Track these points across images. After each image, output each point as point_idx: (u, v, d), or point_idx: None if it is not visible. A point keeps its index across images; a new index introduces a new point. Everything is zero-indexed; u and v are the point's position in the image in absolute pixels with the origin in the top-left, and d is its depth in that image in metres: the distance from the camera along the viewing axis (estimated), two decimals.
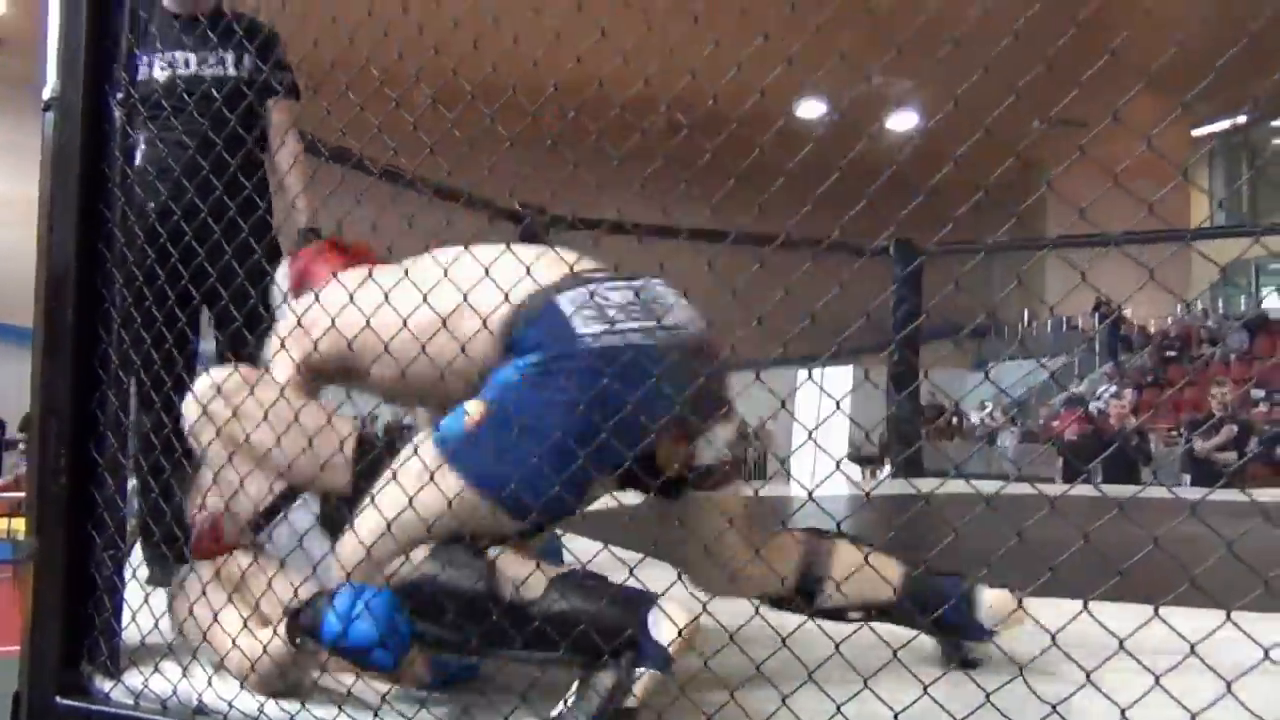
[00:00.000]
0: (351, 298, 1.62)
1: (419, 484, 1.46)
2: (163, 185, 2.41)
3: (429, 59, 1.46)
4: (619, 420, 1.42)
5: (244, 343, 2.06)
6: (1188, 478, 9.62)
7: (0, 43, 13.89)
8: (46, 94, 1.81)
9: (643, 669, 1.35)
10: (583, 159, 1.36)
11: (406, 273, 1.61)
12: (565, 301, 1.52)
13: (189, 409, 1.72)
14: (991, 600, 1.61)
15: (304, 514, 1.68)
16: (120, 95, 1.80)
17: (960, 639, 1.63)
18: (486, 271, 1.52)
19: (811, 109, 16.33)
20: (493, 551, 1.47)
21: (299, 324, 1.71)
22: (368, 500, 1.52)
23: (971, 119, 1.15)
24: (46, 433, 1.76)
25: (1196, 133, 17.73)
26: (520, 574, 1.43)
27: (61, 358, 1.77)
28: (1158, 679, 1.07)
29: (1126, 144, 1.13)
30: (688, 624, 1.36)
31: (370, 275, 1.68)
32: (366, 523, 1.50)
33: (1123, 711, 1.08)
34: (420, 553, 1.47)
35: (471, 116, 1.48)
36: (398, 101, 1.53)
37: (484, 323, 1.52)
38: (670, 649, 1.36)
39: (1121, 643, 1.07)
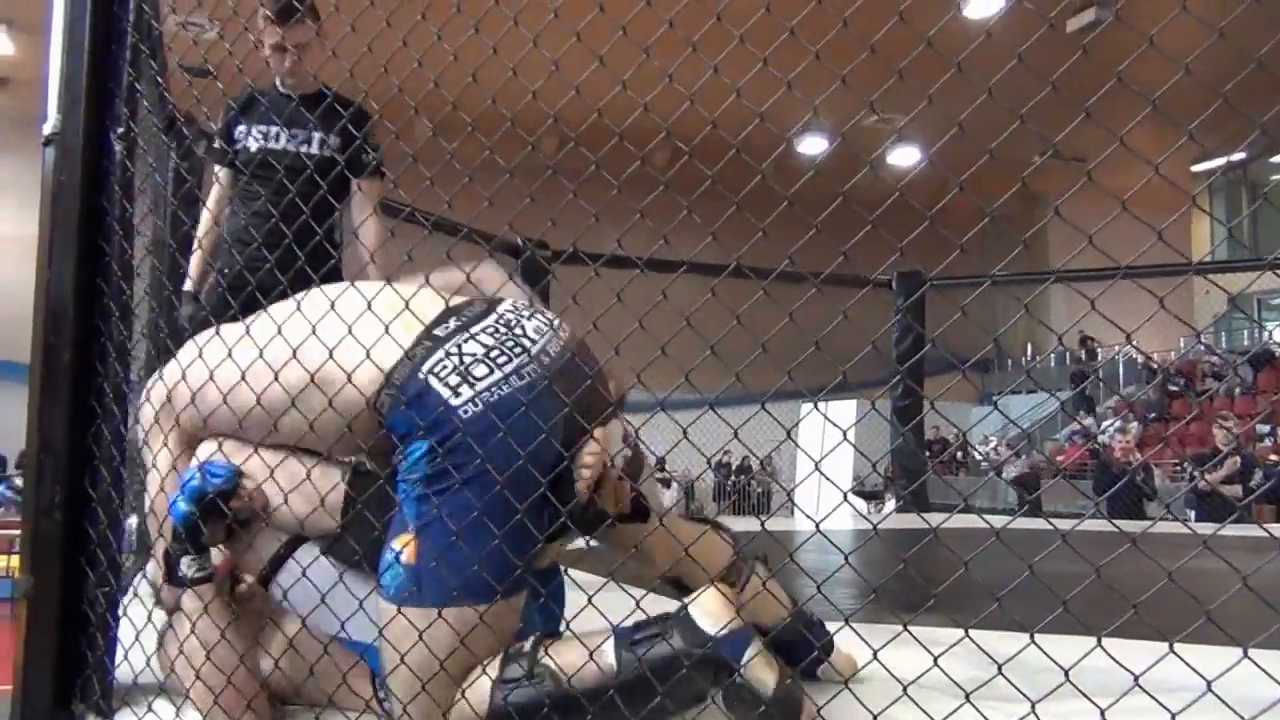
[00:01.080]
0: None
1: (410, 644, 1.43)
2: (239, 251, 2.65)
3: (428, 92, 1.45)
4: (528, 475, 1.43)
5: None
6: (1192, 513, 9.57)
7: (5, 82, 14.04)
8: (47, 129, 1.81)
9: (743, 660, 1.36)
10: (582, 190, 1.35)
11: (279, 328, 1.60)
12: (428, 374, 1.49)
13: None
14: (841, 660, 1.84)
15: (311, 558, 1.66)
16: (120, 130, 1.80)
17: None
18: (352, 329, 1.51)
19: (813, 145, 16.45)
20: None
21: (168, 395, 1.72)
22: (392, 682, 1.47)
23: (974, 151, 1.15)
24: (42, 469, 1.74)
25: (1196, 169, 17.81)
26: (577, 659, 1.40)
27: (58, 393, 1.75)
28: (1174, 716, 1.04)
29: (1127, 179, 1.12)
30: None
31: (247, 329, 1.67)
32: (397, 698, 1.46)
33: None
34: (480, 691, 1.43)
35: (470, 148, 1.47)
36: (397, 134, 1.52)
37: (354, 394, 1.52)
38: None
39: (1136, 679, 1.04)
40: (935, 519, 1.25)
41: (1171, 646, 1.04)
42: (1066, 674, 1.08)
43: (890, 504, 8.27)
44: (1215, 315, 14.86)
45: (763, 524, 1.35)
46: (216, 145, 2.99)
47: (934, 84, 1.10)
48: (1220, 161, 17.19)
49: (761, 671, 1.37)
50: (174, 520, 1.58)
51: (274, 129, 3.00)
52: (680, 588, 1.73)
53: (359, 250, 2.80)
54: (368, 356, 1.48)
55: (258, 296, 1.76)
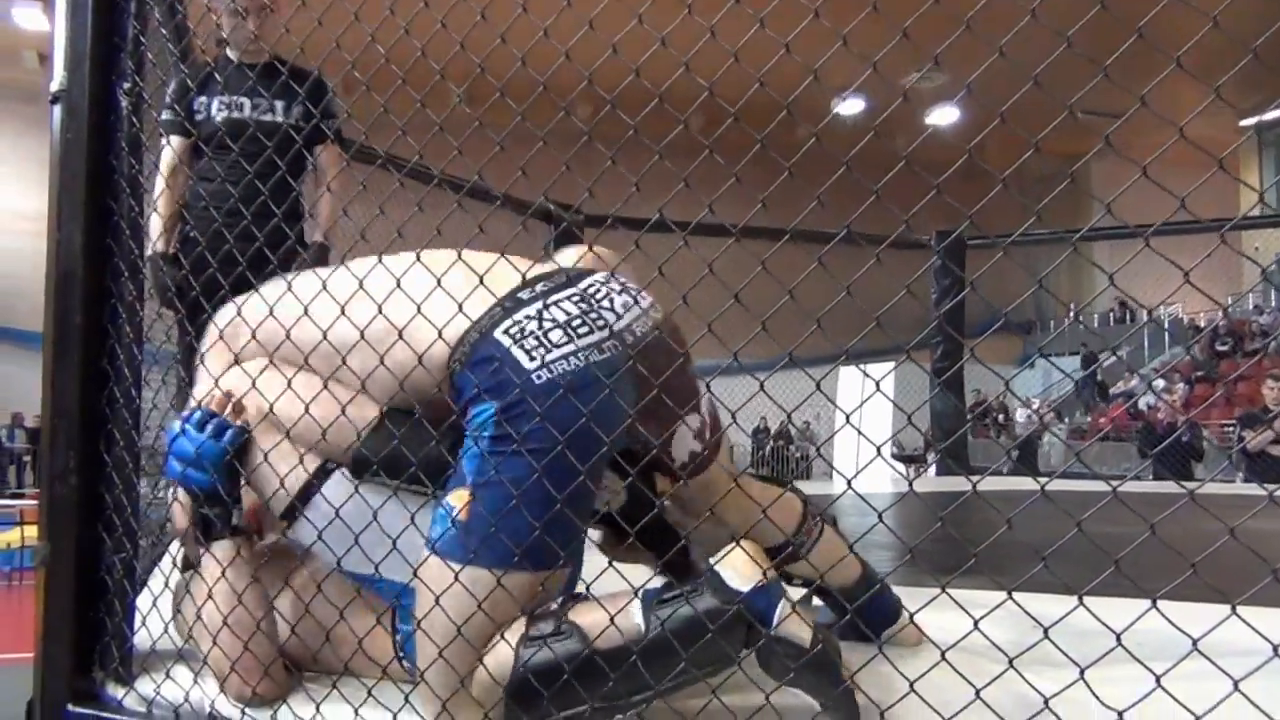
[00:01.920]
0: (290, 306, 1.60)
1: (451, 600, 1.39)
2: (219, 215, 2.63)
3: (455, 54, 1.38)
4: (595, 442, 1.37)
5: None
6: (1241, 474, 9.37)
7: (45, 59, 14.15)
8: (53, 87, 1.76)
9: (775, 616, 1.32)
10: (617, 156, 1.27)
11: (360, 281, 1.55)
12: (504, 336, 1.44)
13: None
14: (907, 632, 1.83)
15: (340, 488, 1.56)
16: (126, 85, 1.75)
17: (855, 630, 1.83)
18: (418, 309, 1.46)
19: (850, 106, 16.22)
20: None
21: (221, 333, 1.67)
22: (420, 637, 1.43)
23: (1013, 111, 1.07)
24: (55, 433, 1.71)
25: (1244, 123, 17.36)
26: (603, 618, 1.36)
27: (70, 358, 1.71)
28: (1237, 683, 0.96)
29: (1170, 136, 1.04)
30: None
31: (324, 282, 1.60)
32: (426, 659, 1.41)
33: (1198, 719, 0.98)
34: (502, 655, 1.39)
35: (499, 114, 1.41)
36: (423, 102, 1.45)
37: (425, 354, 1.47)
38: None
39: (1195, 642, 0.97)
40: (975, 490, 1.18)
41: (1234, 608, 0.96)
42: (1119, 637, 1.01)
43: (932, 468, 8.17)
44: (1265, 268, 14.50)
45: (790, 485, 1.28)
46: (167, 115, 3.02)
47: (977, 39, 1.02)
48: (1272, 115, 16.73)
49: (795, 626, 1.32)
50: (197, 488, 1.56)
51: (238, 99, 3.10)
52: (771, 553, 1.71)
53: (319, 208, 2.92)
54: (460, 310, 1.43)
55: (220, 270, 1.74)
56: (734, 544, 1.40)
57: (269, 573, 1.63)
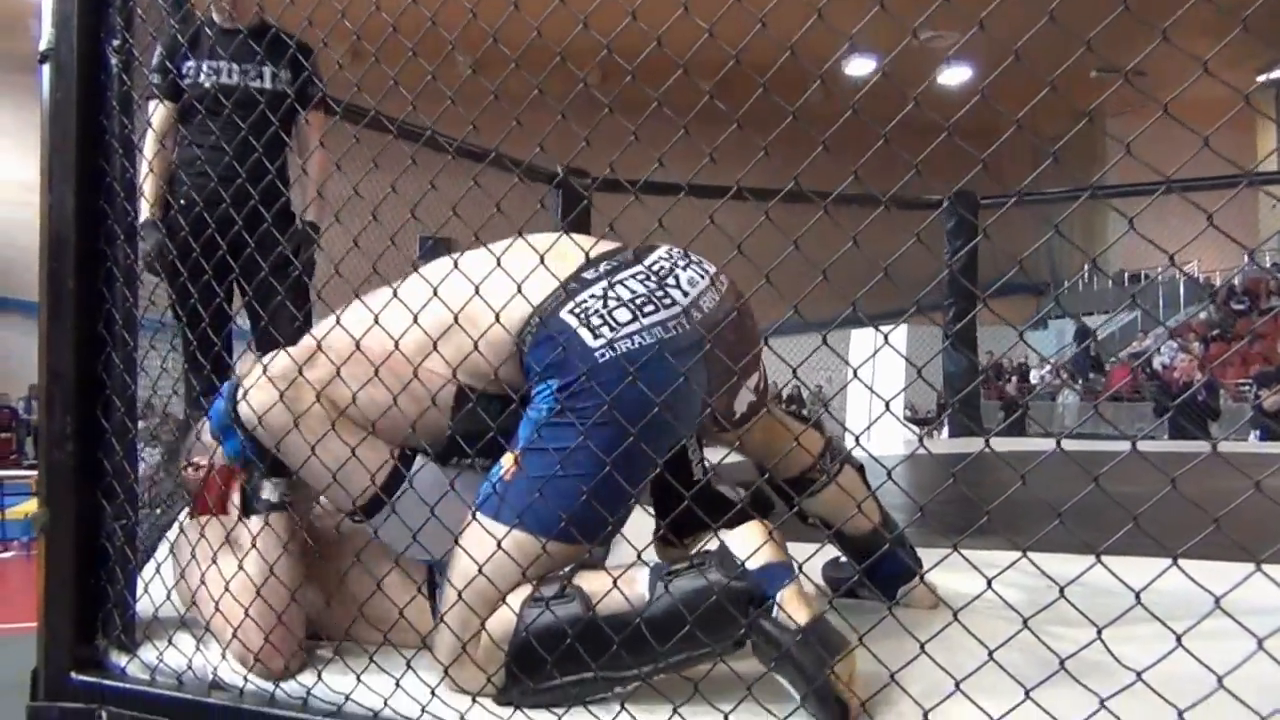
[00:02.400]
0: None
1: (483, 555, 1.39)
2: (202, 181, 2.71)
3: (467, 23, 1.34)
4: (656, 425, 1.35)
5: (275, 319, 2.26)
6: (1257, 432, 9.32)
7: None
8: (41, 45, 1.72)
9: (773, 597, 1.29)
10: (631, 123, 1.23)
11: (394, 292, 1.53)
12: (570, 315, 1.43)
13: (263, 392, 1.48)
14: (922, 593, 1.81)
15: (431, 474, 1.52)
16: (116, 43, 1.70)
17: (870, 593, 1.85)
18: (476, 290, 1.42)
19: (861, 66, 16.04)
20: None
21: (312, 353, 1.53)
22: (448, 588, 1.43)
23: (1027, 68, 1.03)
24: (52, 399, 1.69)
25: (1262, 78, 17.10)
26: (609, 584, 1.35)
27: (64, 322, 1.68)
28: (1261, 642, 0.93)
29: (1188, 91, 0.99)
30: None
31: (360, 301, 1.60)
32: (452, 612, 1.41)
33: (1219, 679, 0.95)
34: (514, 604, 1.38)
35: (511, 83, 1.36)
36: (433, 74, 1.40)
37: (497, 336, 1.45)
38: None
39: (1218, 600, 0.93)
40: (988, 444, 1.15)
41: (1259, 565, 0.92)
42: (1138, 596, 0.98)
43: (945, 430, 8.13)
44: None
45: (797, 439, 1.25)
46: (155, 79, 3.00)
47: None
48: None
49: (793, 606, 1.28)
50: (230, 455, 1.55)
51: (223, 64, 3.10)
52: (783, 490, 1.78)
53: (305, 182, 2.90)
54: (520, 293, 1.40)
55: (215, 233, 1.71)
56: (750, 522, 1.38)
57: (300, 542, 1.61)
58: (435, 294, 1.45)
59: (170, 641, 1.64)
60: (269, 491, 1.58)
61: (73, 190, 1.68)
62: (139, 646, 1.68)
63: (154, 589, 1.73)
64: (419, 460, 1.52)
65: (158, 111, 3.04)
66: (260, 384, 1.48)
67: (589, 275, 1.48)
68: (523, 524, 1.38)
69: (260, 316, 2.75)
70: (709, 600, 1.30)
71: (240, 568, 1.55)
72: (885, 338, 1.12)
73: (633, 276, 1.49)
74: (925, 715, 1.11)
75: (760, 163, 1.14)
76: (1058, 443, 1.02)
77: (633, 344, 1.41)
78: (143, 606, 1.73)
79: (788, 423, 1.84)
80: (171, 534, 1.87)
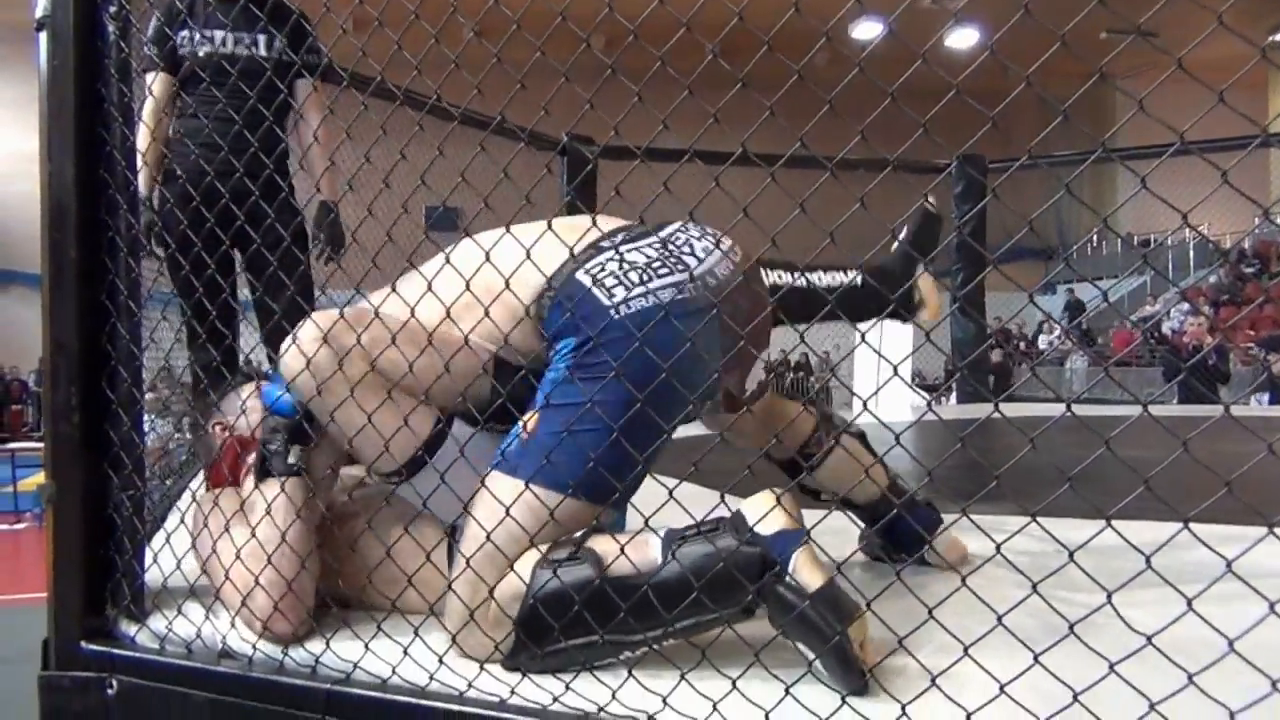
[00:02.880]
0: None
1: (496, 511, 1.39)
2: (201, 150, 2.66)
3: None
4: (669, 385, 1.35)
5: (277, 288, 2.26)
6: (1266, 396, 9.29)
7: None
8: (38, 12, 1.70)
9: (788, 559, 1.29)
10: (631, 86, 1.21)
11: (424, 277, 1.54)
12: (585, 276, 1.46)
13: (301, 354, 1.49)
14: (947, 543, 1.85)
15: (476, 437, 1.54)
16: (113, 9, 1.68)
17: (897, 554, 1.90)
18: (488, 255, 1.43)
19: (868, 30, 15.88)
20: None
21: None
22: (463, 542, 1.44)
23: (1036, 27, 1.00)
24: (56, 370, 1.68)
25: (1276, 37, 16.90)
26: (614, 548, 1.36)
27: (66, 292, 1.68)
28: (1273, 605, 0.92)
29: (1199, 53, 0.97)
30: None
31: (393, 289, 1.59)
32: (463, 564, 1.42)
33: (1230, 643, 0.94)
34: (525, 568, 1.39)
35: (514, 48, 1.34)
36: (436, 38, 1.38)
37: (510, 302, 1.48)
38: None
39: (1229, 564, 0.92)
40: (997, 407, 1.14)
41: (1271, 528, 0.91)
42: (1148, 560, 0.97)
43: (953, 397, 8.12)
44: None
45: (807, 404, 1.24)
46: (152, 50, 2.96)
47: None
48: None
49: (806, 571, 1.28)
50: (285, 413, 1.58)
51: (219, 33, 3.03)
52: (786, 467, 1.87)
53: (311, 154, 2.85)
54: (529, 259, 1.40)
55: (219, 204, 1.70)
56: (766, 490, 1.38)
57: (313, 509, 1.61)
58: (447, 260, 1.49)
59: (179, 611, 1.64)
60: (291, 456, 1.58)
61: (72, 159, 1.67)
62: (148, 616, 1.68)
63: (163, 559, 1.73)
64: (456, 425, 1.55)
65: (157, 81, 3.01)
66: (312, 340, 1.48)
67: (604, 244, 1.51)
68: (537, 480, 1.39)
69: (263, 287, 2.74)
70: (721, 565, 1.30)
71: (252, 534, 1.55)
72: (893, 300, 1.11)
73: (646, 244, 1.52)
74: (934, 679, 1.11)
75: (766, 128, 1.12)
76: (1068, 406, 1.01)
77: (646, 303, 1.43)
78: (152, 576, 1.74)
79: (783, 401, 1.88)
80: (183, 503, 1.88)
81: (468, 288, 1.44)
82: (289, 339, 1.52)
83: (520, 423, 1.45)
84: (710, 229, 1.61)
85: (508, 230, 1.48)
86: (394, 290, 1.58)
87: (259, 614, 1.53)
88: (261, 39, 3.07)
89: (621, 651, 1.36)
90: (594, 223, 1.50)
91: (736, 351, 1.46)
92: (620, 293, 1.43)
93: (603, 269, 1.47)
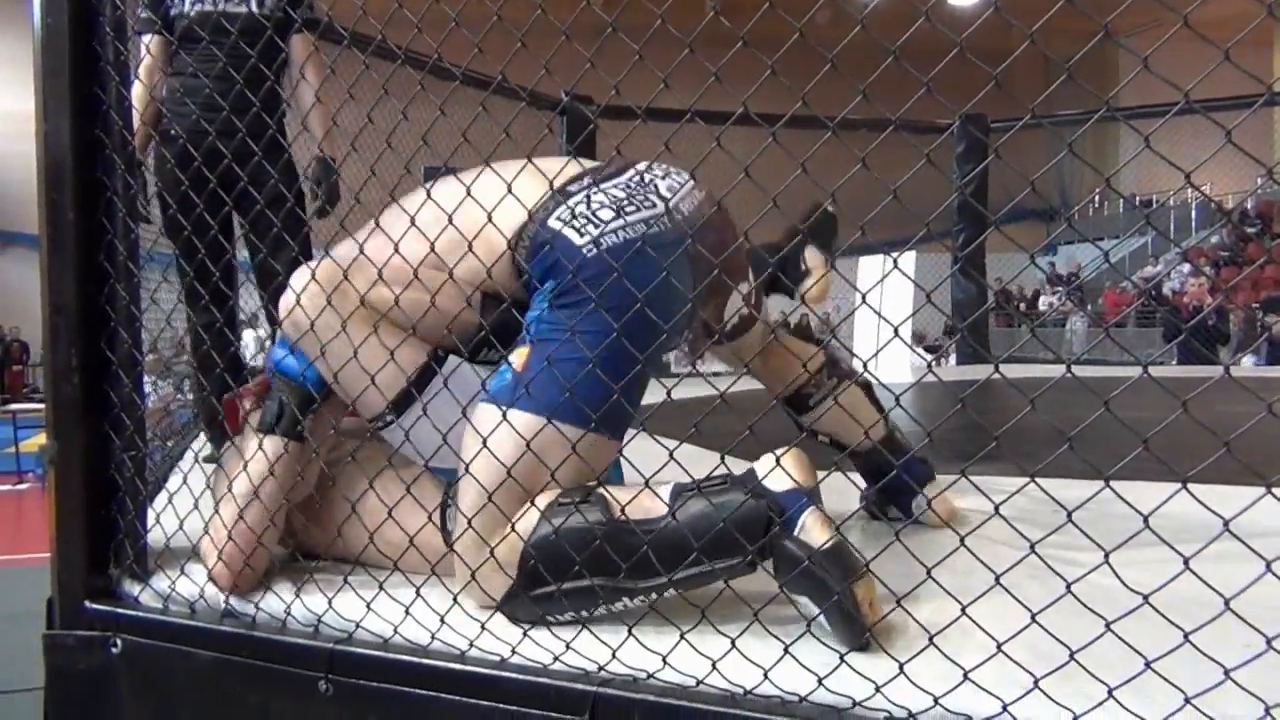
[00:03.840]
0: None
1: (496, 442, 1.42)
2: (196, 109, 2.63)
3: None
4: (645, 314, 1.39)
5: (275, 248, 2.27)
6: (1252, 358, 9.26)
7: None
8: None
9: (799, 518, 1.30)
10: (635, 43, 1.20)
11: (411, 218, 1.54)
12: (556, 220, 1.51)
13: (300, 297, 1.55)
14: (942, 506, 1.88)
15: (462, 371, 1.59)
16: None
17: (888, 506, 1.98)
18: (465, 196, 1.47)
19: None
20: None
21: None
22: (462, 479, 1.46)
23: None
24: (56, 331, 1.68)
25: None
26: (627, 497, 1.38)
27: (65, 253, 1.67)
28: (1269, 564, 0.93)
29: (1203, 12, 0.96)
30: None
31: (377, 225, 1.63)
32: (467, 501, 1.44)
33: (1226, 601, 0.94)
34: (534, 515, 1.41)
35: (512, 8, 1.33)
36: None
37: (494, 241, 1.51)
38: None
39: (1226, 523, 0.93)
40: (999, 367, 1.14)
41: (1270, 488, 0.92)
42: (1145, 520, 0.97)
43: (953, 358, 8.12)
44: None
45: (821, 342, 1.24)
46: (143, 14, 2.91)
47: None
48: None
49: (814, 529, 1.29)
50: (309, 384, 1.62)
51: None
52: (790, 403, 1.92)
53: (302, 99, 2.81)
54: (509, 191, 1.44)
55: (221, 163, 1.71)
56: (786, 449, 1.38)
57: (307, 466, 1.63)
58: (429, 196, 1.52)
59: (182, 570, 1.65)
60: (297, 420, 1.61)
61: (68, 119, 1.66)
62: (151, 576, 1.70)
63: (166, 519, 1.74)
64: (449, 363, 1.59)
65: (154, 43, 2.97)
66: (308, 287, 1.54)
67: (573, 188, 1.56)
68: (532, 409, 1.42)
69: (260, 246, 2.72)
70: (727, 517, 1.31)
71: (230, 484, 1.60)
72: (895, 262, 1.11)
73: (613, 185, 1.57)
74: (931, 638, 1.12)
75: (768, 87, 1.12)
76: (1068, 368, 1.01)
77: (617, 239, 1.48)
78: (155, 537, 1.75)
79: (792, 344, 1.91)
80: (184, 464, 1.89)
81: (450, 222, 1.46)
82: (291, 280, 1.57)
83: (507, 361, 1.48)
84: (675, 168, 1.66)
85: (487, 165, 1.51)
86: (378, 226, 1.61)
87: (208, 561, 1.58)
88: None
89: (621, 599, 1.37)
90: (564, 167, 1.55)
91: (710, 281, 1.49)
92: (592, 230, 1.48)
93: (571, 213, 1.51)
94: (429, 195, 1.54)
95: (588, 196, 1.53)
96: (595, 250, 1.46)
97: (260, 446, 1.60)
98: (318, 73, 2.94)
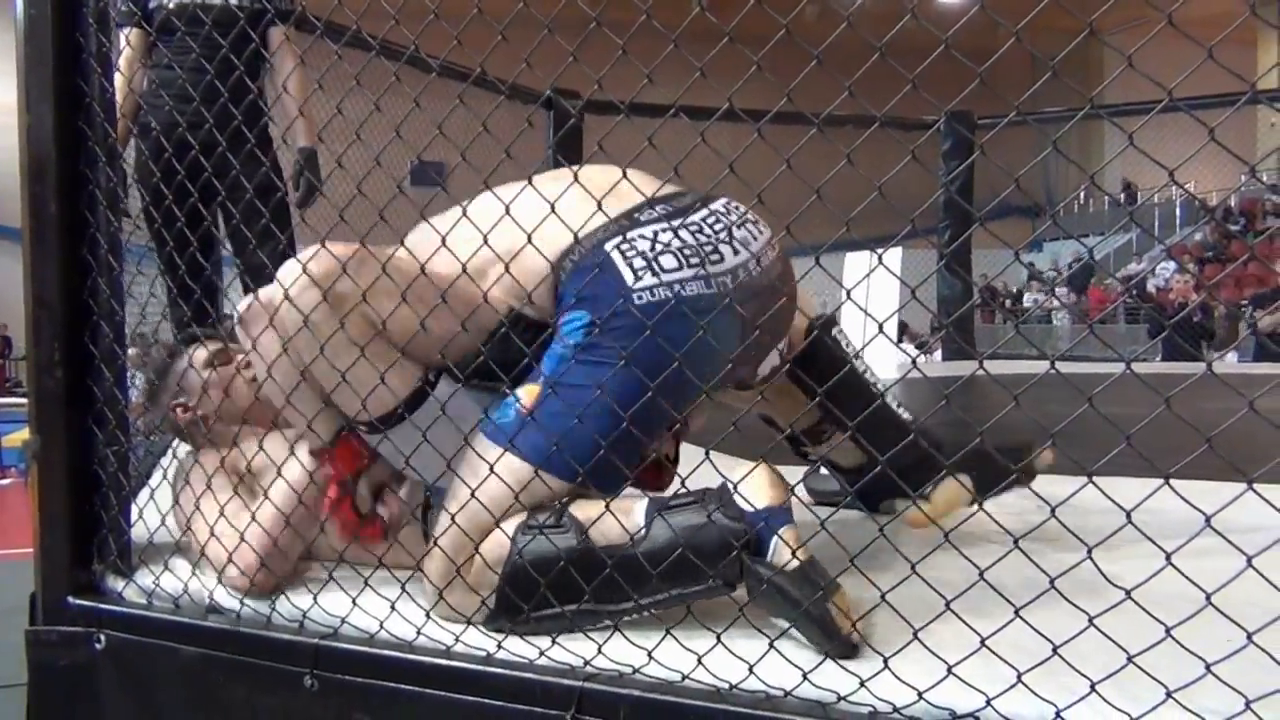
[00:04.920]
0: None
1: (489, 481, 1.37)
2: (173, 102, 2.60)
3: None
4: (674, 381, 1.34)
5: (259, 242, 2.24)
6: (1234, 355, 9.31)
7: None
8: None
9: (770, 540, 1.29)
10: (619, 37, 1.20)
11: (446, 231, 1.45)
12: (614, 250, 1.41)
13: (286, 297, 1.42)
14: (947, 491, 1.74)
15: (458, 394, 1.48)
16: None
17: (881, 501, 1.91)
18: (507, 208, 1.37)
19: None
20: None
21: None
22: (442, 513, 1.42)
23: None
24: (38, 325, 1.67)
25: None
26: (597, 514, 1.34)
27: (48, 247, 1.66)
28: (1250, 560, 0.93)
29: (1189, 8, 0.96)
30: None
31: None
32: (446, 535, 1.40)
33: (1208, 596, 0.95)
34: (509, 529, 1.38)
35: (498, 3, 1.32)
36: None
37: (534, 259, 1.42)
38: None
39: (1208, 519, 0.93)
40: (983, 364, 1.14)
41: (1250, 484, 0.92)
42: (1128, 515, 0.98)
43: (938, 352, 8.15)
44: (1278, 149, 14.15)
45: (818, 392, 1.24)
46: (123, 6, 2.89)
47: None
48: None
49: (786, 551, 1.28)
50: None
51: None
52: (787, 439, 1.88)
53: (286, 103, 2.79)
54: (563, 221, 1.35)
55: (197, 158, 1.69)
56: (756, 464, 1.37)
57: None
58: (464, 214, 1.43)
59: (166, 566, 1.65)
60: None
61: (51, 110, 1.64)
62: (135, 571, 1.69)
63: (149, 514, 1.73)
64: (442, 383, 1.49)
65: (131, 36, 2.95)
66: (301, 283, 1.41)
67: (643, 217, 1.46)
68: (533, 458, 1.37)
69: (244, 242, 2.71)
70: (703, 536, 1.29)
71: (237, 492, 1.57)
72: (879, 258, 1.11)
73: (686, 226, 1.46)
74: (915, 633, 1.12)
75: (753, 83, 1.11)
76: (1052, 364, 1.01)
77: (670, 293, 1.38)
78: (139, 532, 1.74)
79: (792, 386, 1.80)
80: (166, 459, 1.88)
81: (485, 243, 1.39)
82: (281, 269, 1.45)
83: (517, 394, 1.41)
84: (754, 216, 1.56)
85: (530, 183, 1.40)
86: (402, 244, 1.52)
87: (245, 566, 1.55)
88: None
89: (602, 620, 1.35)
90: (631, 183, 1.41)
91: (756, 340, 1.45)
92: (648, 277, 1.39)
93: (635, 247, 1.42)
94: (464, 213, 1.46)
95: (655, 235, 1.43)
96: (645, 299, 1.38)
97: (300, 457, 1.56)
98: (295, 65, 2.92)
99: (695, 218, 1.48)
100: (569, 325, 1.41)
